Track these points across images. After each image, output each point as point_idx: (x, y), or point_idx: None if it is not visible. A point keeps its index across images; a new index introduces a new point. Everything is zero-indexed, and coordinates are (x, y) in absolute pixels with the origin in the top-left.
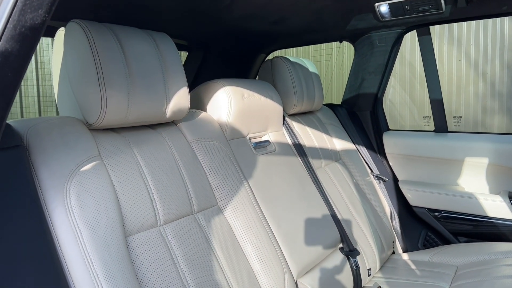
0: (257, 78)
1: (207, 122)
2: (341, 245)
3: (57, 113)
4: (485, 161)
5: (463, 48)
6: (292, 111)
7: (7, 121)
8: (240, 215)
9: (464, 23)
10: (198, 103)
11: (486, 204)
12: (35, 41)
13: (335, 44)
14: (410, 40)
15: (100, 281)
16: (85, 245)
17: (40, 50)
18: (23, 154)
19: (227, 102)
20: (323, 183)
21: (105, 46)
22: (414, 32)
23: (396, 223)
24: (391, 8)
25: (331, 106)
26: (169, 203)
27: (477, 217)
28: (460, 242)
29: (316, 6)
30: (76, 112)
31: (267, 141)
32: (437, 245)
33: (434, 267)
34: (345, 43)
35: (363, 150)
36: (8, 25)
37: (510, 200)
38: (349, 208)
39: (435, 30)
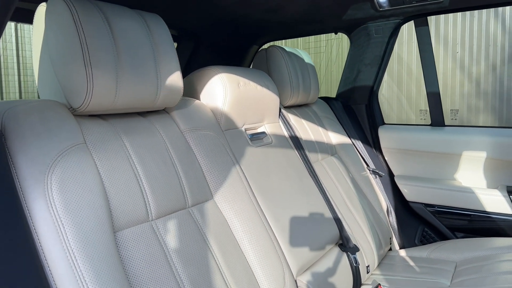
0: None
1: (201, 111)
2: (339, 242)
3: None
4: (483, 155)
5: (449, 47)
6: (288, 103)
7: None
8: (237, 209)
9: (451, 23)
10: (190, 91)
11: (484, 198)
12: None
13: (324, 37)
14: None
15: (85, 280)
16: (68, 241)
17: (21, 43)
18: None
19: (222, 90)
20: (320, 178)
21: (91, 22)
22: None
23: (393, 218)
24: None
25: (326, 99)
26: (162, 196)
27: (475, 212)
28: (457, 237)
29: None
30: (58, 96)
31: (263, 132)
32: (434, 241)
33: (433, 263)
34: (339, 35)
35: (359, 145)
36: None
37: (509, 195)
38: (346, 203)
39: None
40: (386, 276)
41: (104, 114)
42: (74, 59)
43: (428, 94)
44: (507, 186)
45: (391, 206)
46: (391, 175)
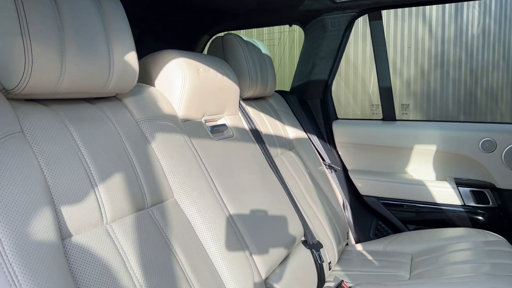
0: None
1: (157, 99)
2: (304, 238)
3: None
4: (432, 148)
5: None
6: (246, 95)
7: None
8: (201, 208)
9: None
10: (143, 77)
11: (434, 190)
12: None
13: (277, 29)
14: None
15: None
16: (5, 251)
17: None
18: None
19: (181, 77)
20: (281, 173)
21: None
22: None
23: (349, 213)
24: None
25: (281, 93)
26: (118, 195)
27: (426, 204)
28: (409, 229)
29: None
30: None
31: (224, 125)
32: (388, 234)
33: (390, 256)
34: (293, 27)
35: (315, 139)
36: None
37: (457, 186)
38: (306, 199)
39: (365, 32)
40: (346, 272)
41: (45, 99)
42: (9, 28)
43: (380, 89)
44: (455, 178)
45: (346, 201)
46: (345, 169)
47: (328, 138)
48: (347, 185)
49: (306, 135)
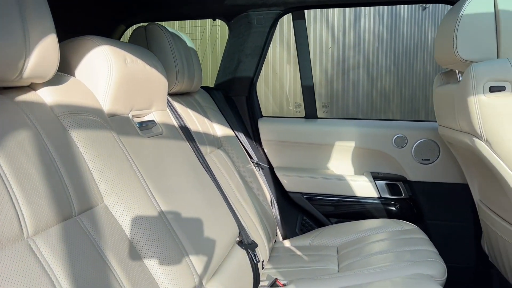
0: None
1: (79, 91)
2: (238, 239)
3: None
4: (351, 144)
5: (291, 51)
6: (172, 90)
7: None
8: (136, 214)
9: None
10: (60, 66)
11: (353, 184)
12: None
13: (200, 22)
14: None
15: None
16: None
17: None
18: None
19: (107, 66)
20: (213, 172)
21: None
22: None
23: (276, 210)
24: None
25: (206, 89)
26: (40, 202)
27: (346, 197)
28: (332, 223)
29: None
30: None
31: (152, 121)
32: (312, 228)
33: (317, 250)
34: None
35: (241, 137)
36: None
37: (374, 180)
38: (238, 198)
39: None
40: (278, 269)
41: None
42: None
43: (303, 87)
44: (372, 172)
45: (273, 198)
46: (271, 166)
47: (254, 136)
48: (273, 182)
49: (233, 133)
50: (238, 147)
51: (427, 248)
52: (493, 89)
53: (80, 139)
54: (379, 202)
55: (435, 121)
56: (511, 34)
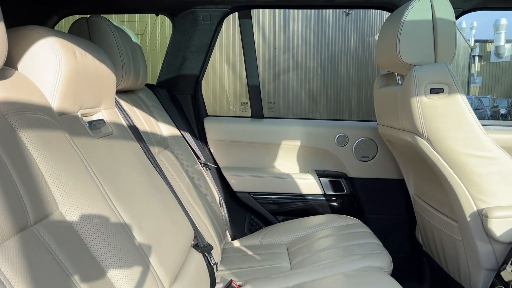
0: None
1: (25, 86)
2: (193, 242)
3: None
4: (297, 143)
5: (224, 51)
6: (118, 87)
7: None
8: (94, 221)
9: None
10: None
11: (299, 182)
12: None
13: (139, 17)
14: None
15: None
16: None
17: None
18: None
19: (55, 60)
20: (164, 173)
21: None
22: None
23: (224, 210)
24: None
25: (150, 86)
26: None
27: (293, 195)
28: (279, 221)
29: None
30: None
31: (102, 120)
32: (260, 227)
33: (267, 249)
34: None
35: (188, 136)
36: None
37: (319, 177)
38: (189, 200)
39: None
40: (231, 270)
41: None
42: None
43: (249, 87)
44: (316, 170)
45: (221, 198)
46: (217, 167)
47: (199, 136)
48: (220, 182)
49: (179, 133)
50: (185, 147)
51: (372, 241)
52: (433, 91)
53: (30, 140)
54: (323, 198)
55: (373, 121)
56: (446, 40)
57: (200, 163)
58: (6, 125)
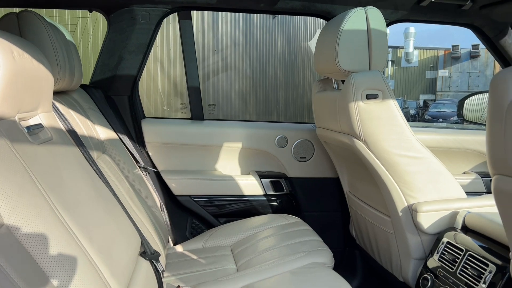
0: None
1: None
2: (142, 250)
3: None
4: (238, 145)
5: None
6: (54, 88)
7: None
8: (43, 235)
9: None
10: None
11: (241, 184)
12: None
13: (69, 12)
14: None
15: None
16: None
17: None
18: None
19: None
20: (107, 179)
21: None
22: None
23: (166, 215)
24: None
25: (83, 87)
26: None
27: (235, 197)
28: (221, 223)
29: None
30: None
31: (40, 124)
32: (203, 231)
33: (212, 252)
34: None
35: (126, 140)
36: None
37: (260, 178)
38: (131, 206)
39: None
40: (177, 276)
41: None
42: None
43: (189, 88)
44: (257, 171)
45: (162, 203)
46: (157, 170)
47: (137, 138)
48: (160, 186)
49: (116, 135)
50: (123, 150)
51: (313, 238)
52: (369, 97)
53: None
54: (265, 199)
55: (310, 123)
56: (379, 49)
57: (139, 167)
58: None
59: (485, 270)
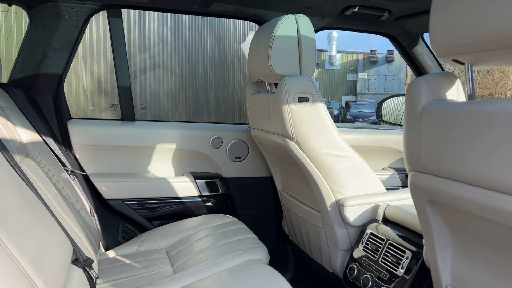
0: None
1: None
2: (72, 257)
3: None
4: (172, 146)
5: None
6: None
7: None
8: None
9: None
10: None
11: (175, 185)
12: None
13: None
14: None
15: None
16: None
17: None
18: None
19: None
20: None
21: None
22: None
23: (96, 220)
24: None
25: (2, 86)
26: None
27: (169, 199)
28: (155, 226)
29: None
30: None
31: None
32: (136, 234)
33: (146, 255)
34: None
35: (50, 142)
36: None
37: (195, 179)
38: (60, 212)
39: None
40: (111, 282)
41: None
42: None
43: (119, 88)
44: (192, 172)
45: (92, 208)
46: (85, 174)
47: (63, 140)
48: (89, 190)
49: (40, 138)
50: (48, 154)
51: (249, 236)
52: (300, 100)
53: None
54: (200, 199)
55: (244, 124)
56: (309, 54)
57: (67, 170)
58: None
59: (402, 256)
